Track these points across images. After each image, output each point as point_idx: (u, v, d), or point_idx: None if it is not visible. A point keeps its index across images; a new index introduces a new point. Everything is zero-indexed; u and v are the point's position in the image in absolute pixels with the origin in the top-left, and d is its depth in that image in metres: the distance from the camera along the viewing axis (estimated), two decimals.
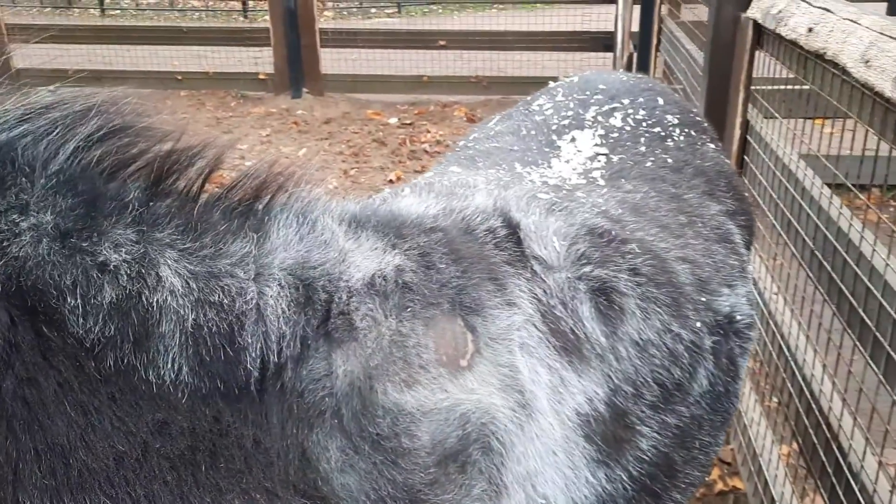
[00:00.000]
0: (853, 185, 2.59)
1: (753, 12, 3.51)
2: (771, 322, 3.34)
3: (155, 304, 1.25)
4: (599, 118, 2.53)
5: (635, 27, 8.55)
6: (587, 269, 1.82)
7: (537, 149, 2.41)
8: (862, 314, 2.38)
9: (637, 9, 8.46)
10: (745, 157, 3.74)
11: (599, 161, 2.35)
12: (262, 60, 10.34)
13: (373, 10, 16.71)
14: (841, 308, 2.56)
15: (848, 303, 2.48)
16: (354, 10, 16.71)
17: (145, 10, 15.87)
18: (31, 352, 1.19)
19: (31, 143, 1.24)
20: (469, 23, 12.20)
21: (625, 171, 2.32)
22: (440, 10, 15.82)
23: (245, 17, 15.52)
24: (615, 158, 2.37)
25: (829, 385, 2.70)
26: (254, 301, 1.32)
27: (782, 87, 3.45)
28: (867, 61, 2.26)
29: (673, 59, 6.56)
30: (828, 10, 2.69)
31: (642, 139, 2.47)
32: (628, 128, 2.50)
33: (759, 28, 3.51)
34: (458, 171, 2.26)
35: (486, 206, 1.83)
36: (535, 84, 3.60)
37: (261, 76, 10.14)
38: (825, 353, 2.81)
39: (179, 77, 10.21)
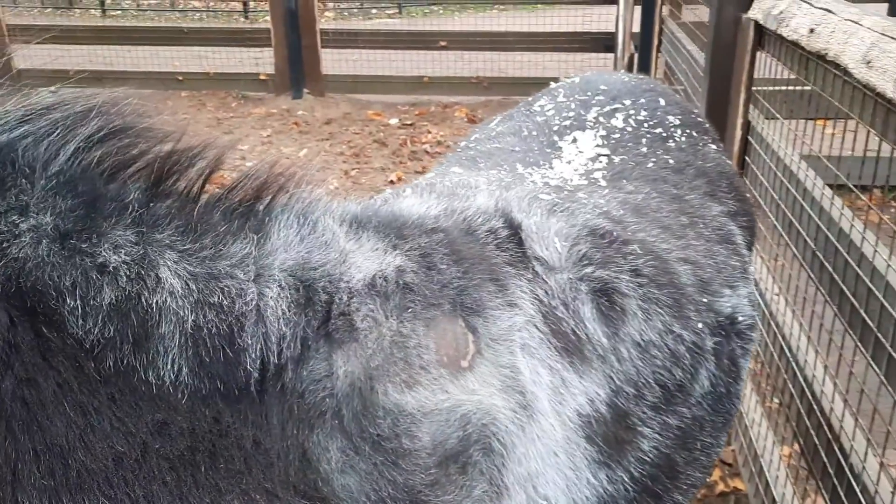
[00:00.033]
0: (854, 186, 2.59)
1: (755, 13, 3.51)
2: (772, 323, 3.34)
3: (154, 305, 1.25)
4: (601, 119, 2.53)
5: (636, 28, 8.55)
6: (589, 269, 1.82)
7: (539, 149, 2.40)
8: (863, 315, 2.38)
9: (638, 9, 8.46)
10: (747, 158, 3.74)
11: (601, 162, 2.35)
12: (262, 61, 10.35)
13: (373, 11, 16.72)
14: (842, 309, 2.56)
15: (849, 304, 2.48)
16: (355, 10, 16.72)
17: (146, 10, 15.88)
18: (31, 352, 1.19)
19: (32, 144, 1.24)
20: (470, 23, 12.20)
21: (626, 172, 2.32)
22: (441, 11, 15.83)
23: (246, 17, 15.52)
24: (617, 159, 2.37)
25: (830, 386, 2.70)
26: (254, 302, 1.32)
27: (783, 87, 3.45)
28: (869, 62, 2.26)
29: (674, 60, 6.56)
30: (829, 11, 2.69)
31: (644, 140, 2.47)
32: (630, 129, 2.50)
33: (760, 29, 3.51)
34: (459, 172, 2.26)
35: (488, 207, 1.83)
36: (536, 85, 3.60)
37: (262, 77, 10.14)
38: (826, 354, 2.81)
39: (180, 77, 10.21)
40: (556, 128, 2.50)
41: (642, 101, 2.63)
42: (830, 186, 2.80)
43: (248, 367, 1.30)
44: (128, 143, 1.35)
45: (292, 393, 1.35)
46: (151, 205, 1.31)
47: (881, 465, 2.30)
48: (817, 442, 2.70)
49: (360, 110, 9.50)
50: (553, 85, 2.85)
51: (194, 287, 1.28)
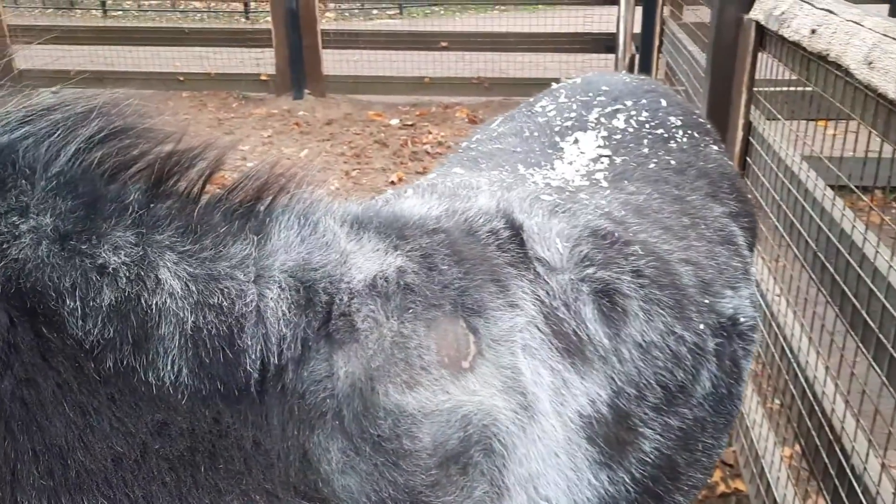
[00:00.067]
0: (856, 187, 2.59)
1: (756, 14, 3.51)
2: (773, 324, 3.34)
3: (154, 306, 1.25)
4: (602, 120, 2.53)
5: (637, 29, 8.55)
6: (590, 270, 1.82)
7: (540, 150, 2.40)
8: (865, 316, 2.37)
9: (639, 10, 8.46)
10: (748, 159, 3.74)
11: (602, 163, 2.35)
12: (263, 61, 10.35)
13: (374, 12, 16.72)
14: (844, 310, 2.55)
15: (851, 304, 2.48)
16: (356, 11, 16.72)
17: (147, 11, 15.88)
18: (31, 353, 1.19)
19: (33, 145, 1.24)
20: (471, 24, 12.20)
21: (628, 173, 2.32)
22: (442, 12, 15.83)
23: (247, 18, 15.51)
24: (618, 160, 2.36)
25: (831, 387, 2.70)
26: (254, 303, 1.32)
27: (785, 88, 3.44)
28: (870, 63, 2.26)
29: (675, 61, 6.56)
30: (831, 12, 2.68)
31: (645, 141, 2.47)
32: (631, 129, 2.50)
33: (761, 29, 3.51)
34: (460, 173, 2.26)
35: (489, 208, 1.82)
36: (537, 85, 3.60)
37: (262, 77, 10.14)
38: (828, 354, 2.81)
39: (181, 78, 10.21)
40: (557, 128, 2.50)
41: (644, 101, 2.62)
42: (832, 187, 2.80)
43: (248, 367, 1.31)
44: (128, 143, 1.35)
45: (293, 393, 1.35)
46: (152, 206, 1.31)
47: (882, 466, 2.30)
48: (818, 443, 2.70)
49: (361, 111, 9.50)
50: (554, 86, 2.85)
51: (194, 288, 1.28)
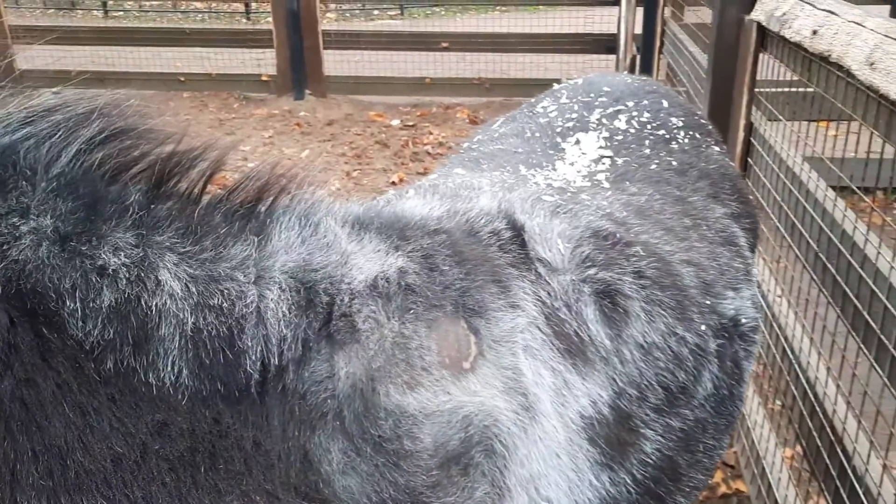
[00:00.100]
0: (857, 188, 2.59)
1: (757, 14, 3.51)
2: (775, 325, 3.34)
3: (154, 307, 1.25)
4: (604, 120, 2.52)
5: (638, 29, 8.54)
6: (592, 271, 1.82)
7: (542, 151, 2.40)
8: (866, 317, 2.37)
9: (640, 11, 8.45)
10: (749, 160, 3.74)
11: (604, 163, 2.34)
12: (264, 62, 10.35)
13: (375, 12, 16.72)
14: (845, 311, 2.55)
15: (852, 305, 2.48)
16: (357, 11, 16.71)
17: (148, 11, 15.88)
18: (30, 353, 1.19)
19: (34, 147, 1.24)
20: (471, 25, 12.19)
21: (629, 174, 2.32)
22: (443, 12, 15.83)
23: (248, 18, 15.51)
24: (620, 161, 2.36)
25: (833, 388, 2.70)
26: (254, 304, 1.33)
27: (786, 89, 3.44)
28: (872, 64, 2.26)
29: (676, 62, 6.56)
30: (832, 13, 2.68)
31: (647, 141, 2.47)
32: (633, 130, 2.50)
33: (762, 30, 3.50)
34: (462, 173, 2.26)
35: (491, 209, 1.82)
36: (538, 86, 3.60)
37: (263, 78, 10.14)
38: (829, 355, 2.80)
39: (182, 78, 10.21)
40: (559, 129, 2.50)
41: (645, 102, 2.62)
42: (833, 188, 2.80)
43: (249, 368, 1.31)
44: (129, 144, 1.35)
45: (293, 394, 1.35)
46: (152, 207, 1.31)
47: (884, 467, 2.30)
48: (820, 444, 2.70)
49: (362, 111, 9.50)
50: (556, 86, 2.85)
51: (194, 289, 1.28)
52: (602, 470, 1.72)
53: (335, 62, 10.08)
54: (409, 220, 1.66)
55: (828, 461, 2.62)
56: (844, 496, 2.47)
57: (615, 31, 8.88)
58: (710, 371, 2.03)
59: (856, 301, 2.45)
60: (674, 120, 2.58)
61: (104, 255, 1.23)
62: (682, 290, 2.00)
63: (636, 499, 1.82)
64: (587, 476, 1.69)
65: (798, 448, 3.12)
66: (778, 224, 3.27)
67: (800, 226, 2.97)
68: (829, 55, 2.58)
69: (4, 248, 1.18)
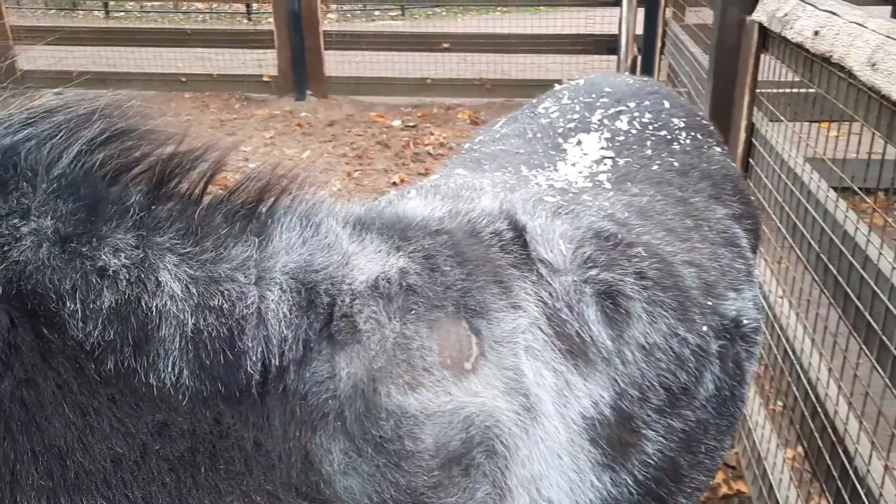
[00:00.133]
0: (859, 189, 2.59)
1: (759, 15, 3.51)
2: (776, 326, 3.33)
3: (154, 308, 1.25)
4: (605, 121, 2.52)
5: (639, 30, 8.54)
6: (593, 272, 1.82)
7: (543, 152, 2.40)
8: (868, 318, 2.37)
9: (641, 12, 8.45)
10: (751, 161, 3.74)
11: (605, 164, 2.34)
12: (265, 63, 10.35)
13: (376, 13, 16.72)
14: (847, 312, 2.55)
15: (854, 306, 2.48)
16: (358, 12, 16.71)
17: (149, 12, 15.88)
18: (31, 353, 1.20)
19: (35, 148, 1.25)
20: (472, 25, 12.18)
21: (631, 175, 2.31)
22: (444, 13, 15.83)
23: (249, 19, 15.51)
24: (621, 162, 2.36)
25: (834, 389, 2.70)
26: (254, 305, 1.33)
27: (788, 90, 3.44)
28: (874, 64, 2.26)
29: (677, 62, 6.56)
30: (834, 14, 2.68)
31: (648, 142, 2.47)
32: (634, 131, 2.50)
33: (764, 31, 3.50)
34: (463, 174, 2.26)
35: (492, 209, 1.82)
36: (539, 87, 3.59)
37: (265, 78, 10.14)
38: (831, 356, 2.80)
39: (183, 79, 10.21)
40: (560, 130, 2.50)
41: (647, 103, 2.62)
42: (834, 189, 2.79)
43: (249, 369, 1.31)
44: (130, 145, 1.35)
45: (294, 395, 1.35)
46: (153, 208, 1.31)
47: (885, 468, 2.30)
48: (821, 445, 2.70)
49: (363, 112, 9.50)
50: (557, 87, 2.85)
51: (194, 290, 1.28)
52: (603, 471, 1.72)
53: (336, 63, 10.08)
54: (411, 221, 1.66)
55: (829, 462, 2.62)
56: (846, 497, 2.46)
57: (616, 32, 8.87)
58: (712, 372, 2.03)
59: (857, 302, 2.45)
60: (675, 121, 2.58)
61: (104, 257, 1.23)
62: (684, 291, 2.00)
63: (638, 500, 1.82)
64: (588, 477, 1.69)
65: (799, 449, 3.12)
66: (779, 225, 3.27)
67: (801, 227, 2.97)
68: (831, 56, 2.58)
69: (5, 249, 1.18)
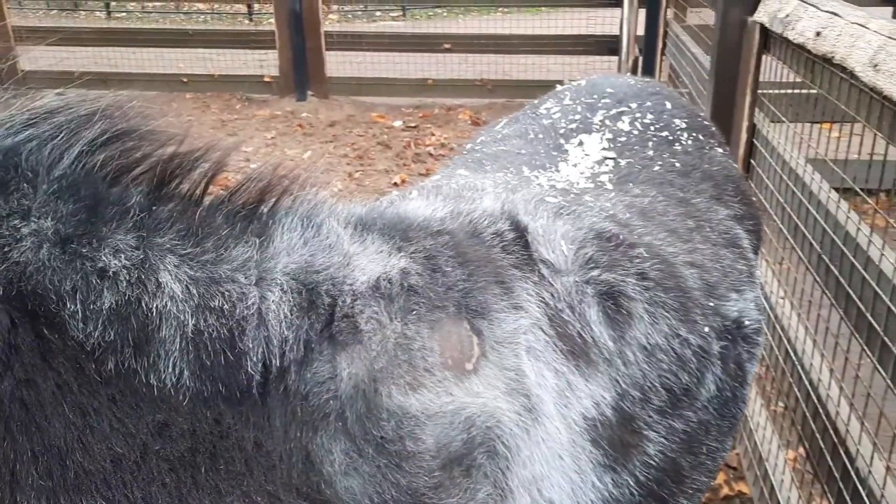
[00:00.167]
0: (861, 190, 2.59)
1: (760, 16, 3.50)
2: (777, 326, 3.33)
3: (155, 309, 1.25)
4: (607, 122, 2.52)
5: (641, 31, 8.53)
6: (595, 272, 1.82)
7: (545, 152, 2.40)
8: (870, 318, 2.37)
9: (642, 13, 8.44)
10: (752, 161, 3.73)
11: (607, 165, 2.34)
12: (267, 63, 10.35)
13: (378, 14, 16.72)
14: (848, 312, 2.55)
15: (855, 307, 2.47)
16: (359, 13, 16.71)
17: (151, 12, 15.88)
18: (31, 354, 1.20)
19: (36, 148, 1.25)
20: (474, 26, 12.17)
21: (633, 175, 2.31)
22: (445, 14, 15.83)
23: (250, 20, 15.52)
24: (623, 162, 2.36)
25: (836, 389, 2.69)
26: (255, 306, 1.33)
27: (789, 91, 3.44)
28: (876, 65, 2.25)
29: (678, 63, 6.56)
30: (836, 14, 2.68)
31: (650, 143, 2.46)
32: (636, 132, 2.49)
33: (765, 32, 3.50)
34: (465, 175, 2.26)
35: (494, 210, 1.82)
36: (540, 87, 3.59)
37: (266, 79, 10.14)
38: (832, 357, 2.80)
39: (185, 79, 10.21)
40: (562, 131, 2.50)
41: (648, 104, 2.62)
42: (836, 190, 2.79)
43: (250, 369, 1.31)
44: (131, 146, 1.36)
45: (296, 395, 1.35)
46: (153, 208, 1.31)
47: (887, 469, 2.30)
48: (823, 446, 2.69)
49: (364, 112, 9.50)
50: (559, 88, 2.85)
51: (195, 291, 1.29)
52: (605, 472, 1.72)
53: (337, 63, 10.08)
54: (412, 222, 1.66)
55: (831, 463, 2.62)
56: (847, 498, 2.46)
57: (617, 33, 8.86)
58: (714, 373, 2.03)
59: (859, 303, 2.45)
60: (677, 122, 2.58)
61: (104, 258, 1.23)
62: (686, 292, 2.00)
63: (639, 501, 1.81)
64: (590, 478, 1.69)
65: (801, 450, 3.12)
66: (781, 226, 3.27)
67: (803, 227, 2.97)
68: (833, 57, 2.58)
69: (6, 249, 1.18)
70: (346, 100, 9.85)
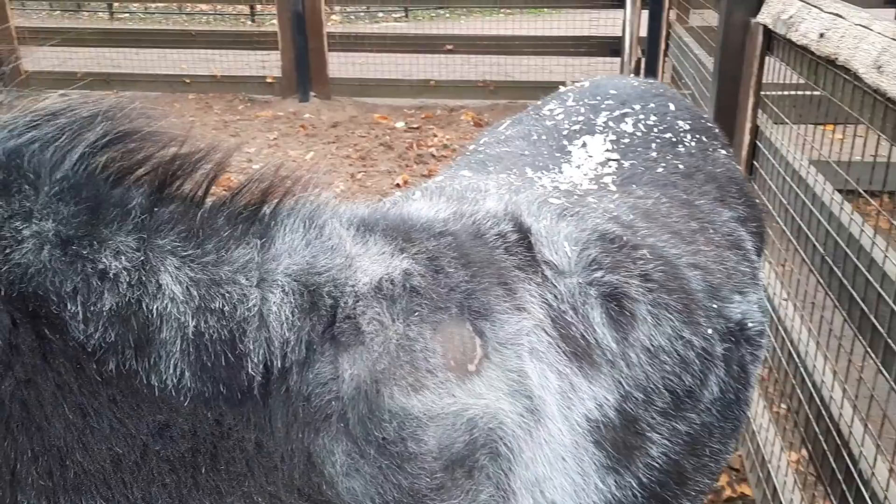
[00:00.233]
0: (864, 191, 2.58)
1: (764, 17, 3.50)
2: (780, 328, 3.33)
3: (155, 311, 1.26)
4: (610, 123, 2.52)
5: (643, 32, 8.53)
6: (598, 274, 1.81)
7: (548, 154, 2.40)
8: (873, 320, 2.36)
9: (645, 14, 8.44)
10: (755, 163, 3.73)
11: (610, 166, 2.34)
12: (269, 64, 10.35)
13: (380, 15, 16.72)
14: (851, 314, 2.54)
15: (859, 309, 2.47)
16: (362, 14, 16.72)
17: (154, 13, 15.88)
18: (32, 354, 1.21)
19: (38, 150, 1.26)
20: (476, 27, 12.18)
21: (636, 177, 2.31)
22: (447, 15, 15.83)
23: (253, 20, 15.52)
24: (626, 164, 2.36)
25: (839, 391, 2.69)
26: (256, 307, 1.33)
27: (792, 92, 3.44)
28: (879, 67, 2.25)
29: (681, 65, 6.55)
30: (839, 16, 2.68)
31: (653, 145, 2.46)
32: (639, 133, 2.49)
33: (769, 33, 3.50)
34: (468, 176, 2.26)
35: (497, 211, 1.82)
36: (542, 89, 3.60)
37: (268, 80, 10.14)
38: (836, 359, 2.80)
39: (187, 80, 10.22)
40: (565, 132, 2.50)
41: (652, 105, 2.62)
42: (839, 191, 2.79)
43: (251, 371, 1.31)
44: (133, 147, 1.36)
45: (297, 396, 1.35)
46: (155, 210, 1.32)
47: (890, 471, 2.29)
48: (826, 448, 2.69)
49: (367, 113, 9.50)
50: (562, 89, 2.85)
51: (195, 293, 1.29)
52: (608, 473, 1.72)
53: (340, 64, 10.08)
54: (415, 223, 1.66)
55: (834, 465, 2.61)
56: (850, 500, 2.46)
57: (620, 34, 8.87)
58: (717, 375, 2.02)
59: (862, 304, 2.45)
60: (680, 123, 2.58)
61: (105, 259, 1.24)
62: (689, 294, 2.00)
63: (642, 502, 1.81)
64: (593, 479, 1.68)
65: (804, 452, 3.11)
66: (784, 227, 3.27)
67: (806, 229, 2.96)
68: (836, 58, 2.57)
69: (7, 251, 1.19)
70: (348, 101, 9.85)
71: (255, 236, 1.39)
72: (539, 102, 2.81)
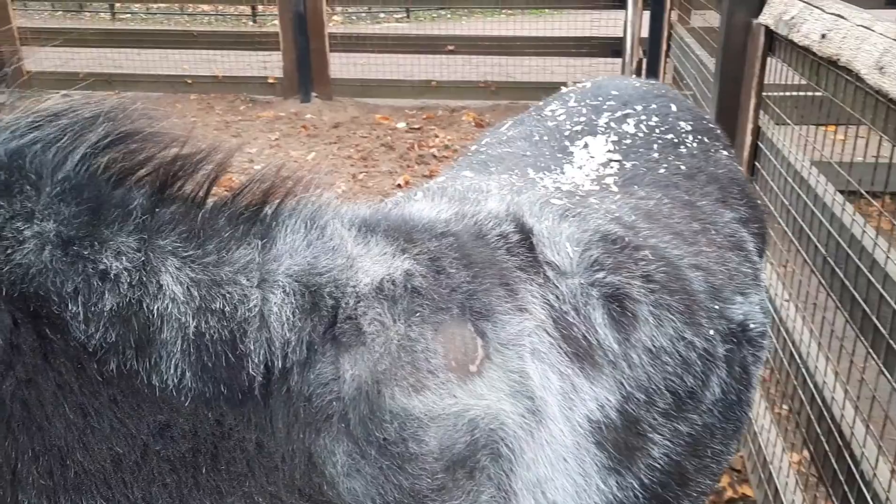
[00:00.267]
0: (866, 192, 2.58)
1: (765, 18, 3.50)
2: (782, 329, 3.32)
3: (156, 311, 1.26)
4: (612, 124, 2.52)
5: (644, 33, 8.53)
6: (600, 275, 1.81)
7: (550, 154, 2.40)
8: (875, 321, 2.36)
9: (646, 14, 8.44)
10: (757, 164, 3.73)
11: (612, 167, 2.34)
12: (271, 64, 10.35)
13: (382, 15, 16.72)
14: (853, 315, 2.54)
15: (860, 310, 2.47)
16: (363, 14, 16.72)
17: (155, 13, 15.89)
18: (33, 354, 1.21)
19: (41, 151, 1.26)
20: (477, 28, 12.17)
21: (638, 178, 2.31)
22: (449, 16, 15.83)
23: (254, 21, 15.53)
24: (628, 165, 2.36)
25: (841, 392, 2.69)
26: (257, 308, 1.33)
27: (794, 93, 3.43)
28: (881, 68, 2.25)
29: (683, 65, 6.55)
30: (841, 17, 2.67)
31: (655, 145, 2.46)
32: (641, 134, 2.49)
33: (770, 34, 3.50)
34: (470, 176, 2.26)
35: (499, 211, 1.82)
36: (544, 89, 3.59)
37: (270, 80, 10.14)
38: (837, 360, 2.80)
39: (189, 81, 10.22)
40: (567, 133, 2.49)
41: (654, 106, 2.62)
42: (841, 192, 2.79)
43: (252, 371, 1.31)
44: (134, 148, 1.36)
45: (298, 396, 1.35)
46: (156, 211, 1.32)
47: (892, 472, 2.29)
48: (827, 448, 2.69)
49: (368, 114, 9.50)
50: (564, 90, 2.84)
51: (196, 293, 1.29)
52: (609, 474, 1.72)
53: (341, 65, 10.08)
54: (417, 223, 1.66)
55: (835, 466, 2.61)
56: (852, 501, 2.46)
57: (621, 35, 8.86)
58: (719, 376, 2.02)
59: (864, 305, 2.44)
60: (682, 124, 2.58)
61: (106, 260, 1.24)
62: (691, 295, 2.00)
63: (643, 503, 1.81)
64: (594, 480, 1.68)
65: (805, 453, 3.11)
66: (786, 228, 3.26)
67: (808, 230, 2.96)
68: (838, 59, 2.57)
69: (9, 251, 1.19)
70: (349, 101, 9.85)
71: (256, 237, 1.39)
72: (541, 103, 2.80)
